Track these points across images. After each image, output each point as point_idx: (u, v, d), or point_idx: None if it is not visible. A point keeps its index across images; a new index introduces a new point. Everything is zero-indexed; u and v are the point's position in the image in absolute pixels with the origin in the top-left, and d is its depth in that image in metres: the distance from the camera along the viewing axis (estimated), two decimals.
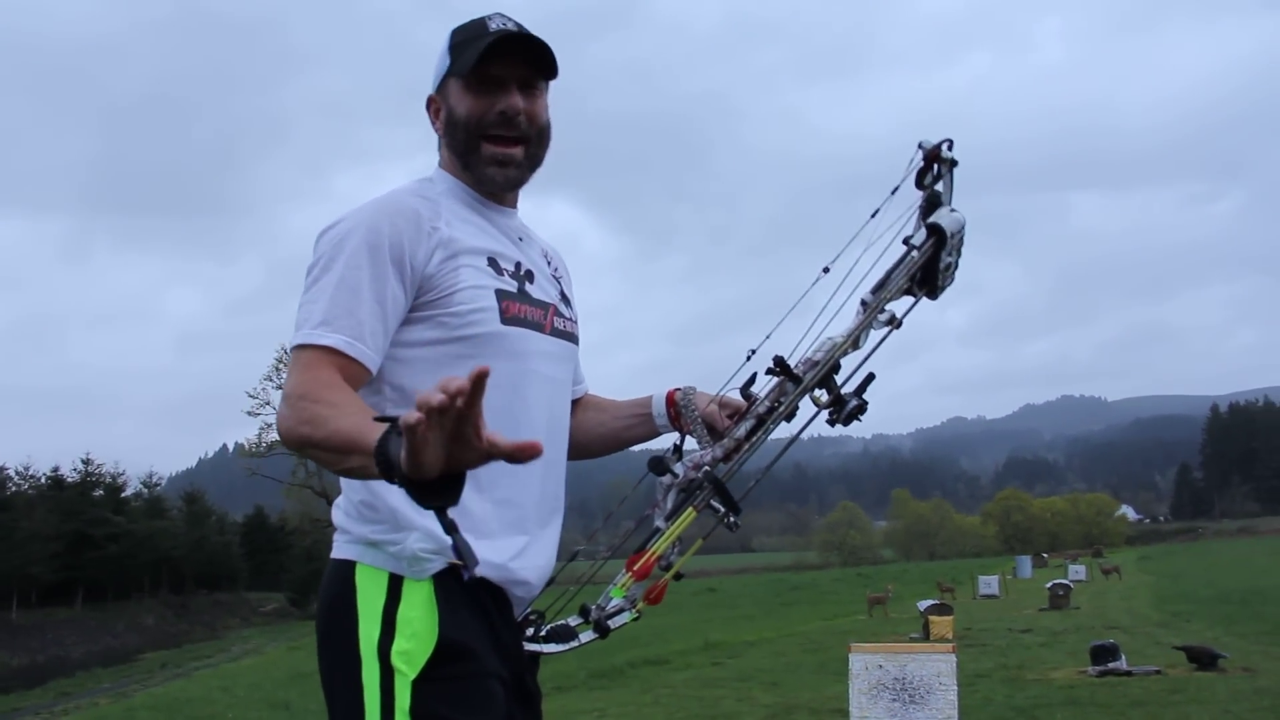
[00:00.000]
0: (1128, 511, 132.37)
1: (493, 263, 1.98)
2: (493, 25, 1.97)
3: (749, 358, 2.18)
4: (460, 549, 1.46)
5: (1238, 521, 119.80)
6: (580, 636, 2.04)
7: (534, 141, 2.04)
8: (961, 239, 2.23)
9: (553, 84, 2.08)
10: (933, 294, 2.26)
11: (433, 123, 2.09)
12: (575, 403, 2.28)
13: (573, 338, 2.16)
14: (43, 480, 64.26)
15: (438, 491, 1.38)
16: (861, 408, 2.16)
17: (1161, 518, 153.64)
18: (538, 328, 2.01)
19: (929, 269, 2.21)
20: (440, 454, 1.32)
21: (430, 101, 2.09)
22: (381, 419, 1.49)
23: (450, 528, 1.45)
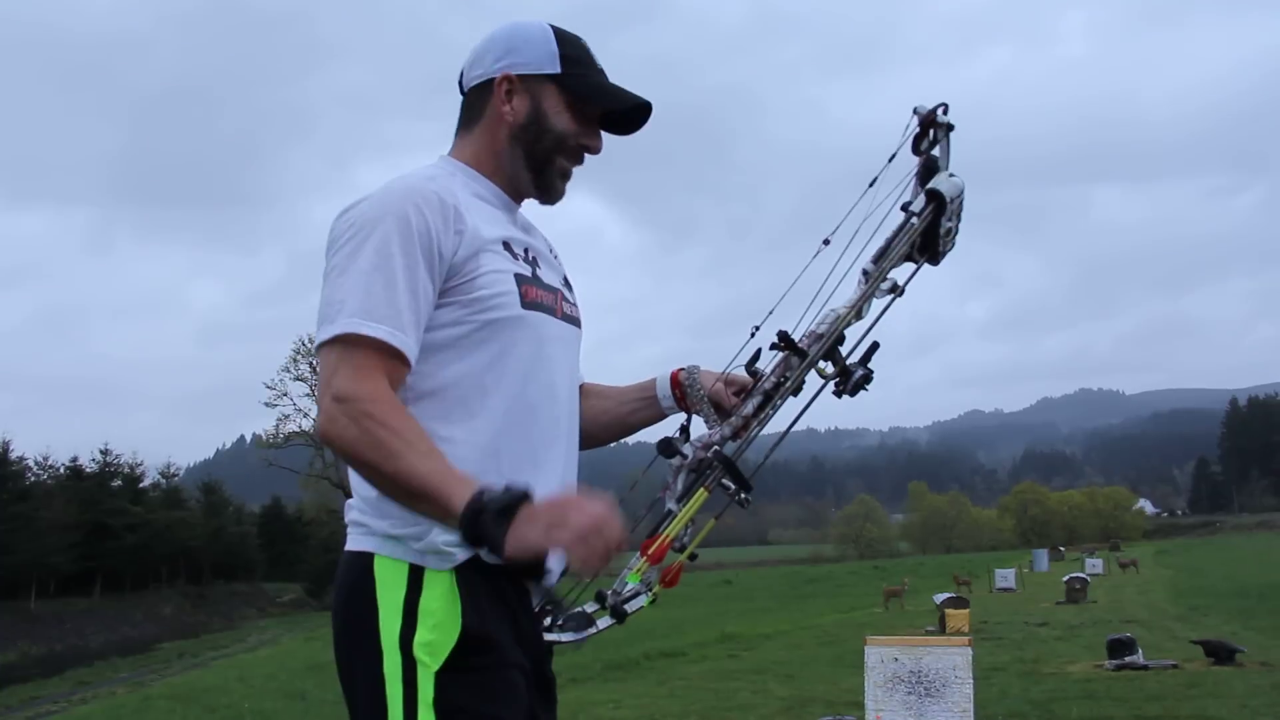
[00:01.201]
0: (1145, 505, 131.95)
1: (507, 246, 1.98)
2: (598, 62, 2.06)
3: (753, 334, 2.16)
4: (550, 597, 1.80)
5: (1256, 516, 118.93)
6: (598, 623, 2.03)
7: None
8: (961, 203, 2.22)
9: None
10: (934, 260, 2.24)
11: (500, 104, 2.03)
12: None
13: (578, 323, 2.15)
14: (62, 470, 64.87)
15: (530, 567, 1.69)
16: (867, 377, 2.15)
17: (1179, 511, 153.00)
18: (551, 312, 2.01)
19: (929, 235, 2.21)
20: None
21: (505, 80, 2.02)
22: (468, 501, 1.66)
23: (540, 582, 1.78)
